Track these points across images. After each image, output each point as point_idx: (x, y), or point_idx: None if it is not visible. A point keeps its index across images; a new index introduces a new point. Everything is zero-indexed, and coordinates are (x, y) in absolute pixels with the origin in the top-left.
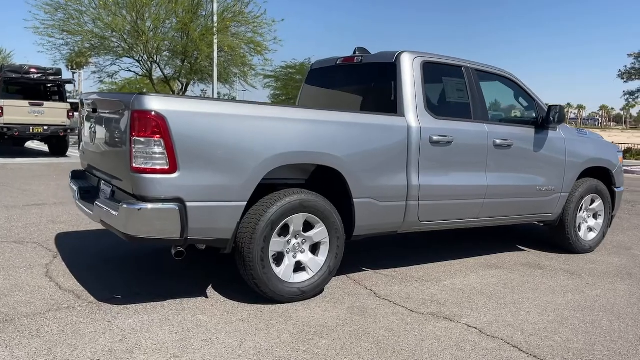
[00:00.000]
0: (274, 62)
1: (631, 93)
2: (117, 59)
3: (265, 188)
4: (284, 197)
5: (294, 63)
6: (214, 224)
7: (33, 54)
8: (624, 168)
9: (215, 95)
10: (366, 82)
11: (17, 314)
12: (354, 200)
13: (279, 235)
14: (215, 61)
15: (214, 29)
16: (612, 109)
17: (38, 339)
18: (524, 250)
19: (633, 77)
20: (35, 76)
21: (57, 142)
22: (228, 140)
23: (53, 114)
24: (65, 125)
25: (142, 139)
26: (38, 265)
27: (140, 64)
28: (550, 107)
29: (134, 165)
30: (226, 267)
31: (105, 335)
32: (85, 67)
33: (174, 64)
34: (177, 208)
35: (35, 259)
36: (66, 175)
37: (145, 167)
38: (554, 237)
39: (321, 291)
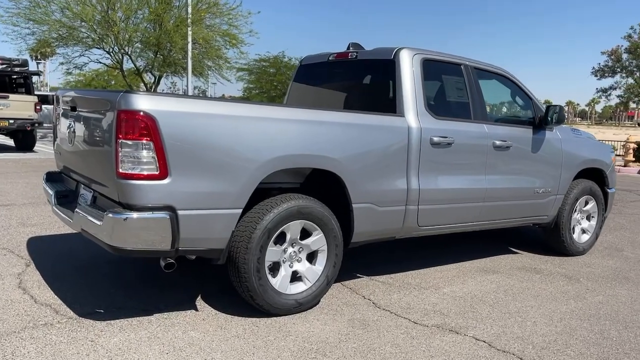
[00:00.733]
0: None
1: (604, 90)
2: (86, 50)
3: (259, 193)
4: (281, 204)
5: (268, 56)
6: (208, 233)
7: None
8: None
9: (190, 89)
10: (362, 80)
11: None
12: (353, 205)
13: (275, 243)
14: (190, 54)
15: (188, 21)
16: (578, 104)
17: None
18: (517, 253)
19: (606, 75)
20: (0, 67)
21: (24, 137)
22: (223, 143)
23: (19, 107)
24: (32, 119)
25: (129, 142)
26: (9, 275)
27: (110, 56)
28: (548, 107)
29: (120, 170)
30: (215, 276)
31: (89, 357)
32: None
33: (146, 56)
34: (168, 217)
35: (5, 268)
36: (34, 172)
37: (133, 172)
38: (548, 239)
39: (317, 302)
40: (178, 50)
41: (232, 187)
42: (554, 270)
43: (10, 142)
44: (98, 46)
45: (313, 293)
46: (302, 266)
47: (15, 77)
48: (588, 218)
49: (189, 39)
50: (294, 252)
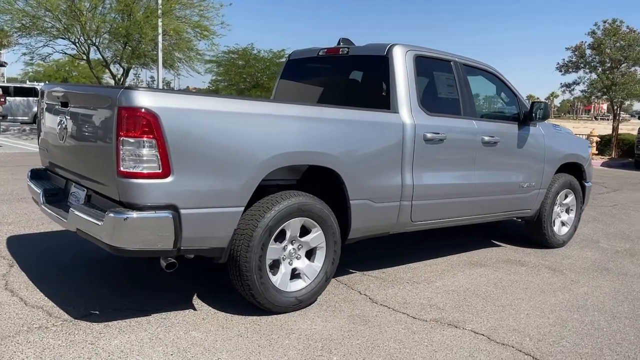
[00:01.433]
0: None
1: (568, 85)
2: (50, 40)
3: (256, 191)
4: (282, 201)
5: (236, 48)
6: (210, 232)
7: None
8: None
9: (160, 82)
10: (353, 76)
11: None
12: (351, 202)
13: (275, 241)
14: (160, 45)
15: (159, 12)
16: (538, 98)
17: None
18: (499, 246)
19: (570, 70)
20: None
21: None
22: (226, 140)
23: None
24: None
25: (130, 140)
26: None
27: (76, 47)
28: (533, 103)
29: (122, 169)
30: (206, 275)
31: None
32: (8, 48)
33: (114, 47)
34: (171, 216)
35: None
36: (2, 167)
37: (135, 171)
38: (530, 232)
39: (316, 299)
40: (148, 41)
41: (235, 185)
42: (537, 262)
43: None
44: (63, 36)
45: (312, 290)
46: (302, 263)
47: None
48: (567, 211)
49: (160, 31)
50: (294, 249)
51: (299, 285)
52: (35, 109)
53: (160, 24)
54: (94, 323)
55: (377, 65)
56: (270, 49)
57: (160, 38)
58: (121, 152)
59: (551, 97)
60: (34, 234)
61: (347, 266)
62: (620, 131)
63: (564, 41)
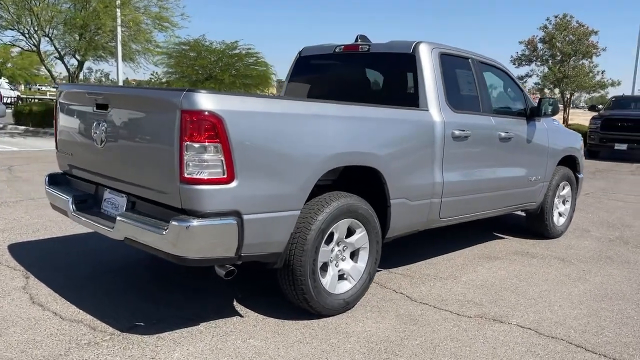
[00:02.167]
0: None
1: (520, 78)
2: None
3: None
4: (331, 202)
5: (187, 39)
6: (270, 237)
7: None
8: None
9: (121, 75)
10: (376, 73)
11: (31, 358)
12: (391, 201)
13: (325, 243)
14: (119, 37)
15: (118, 1)
16: None
17: None
18: (503, 238)
19: (523, 63)
20: None
21: None
22: (287, 142)
23: None
24: None
25: (195, 145)
26: (14, 290)
27: (26, 38)
28: (541, 99)
29: (186, 175)
30: (240, 276)
31: None
32: None
33: (69, 39)
34: (235, 222)
35: (5, 283)
36: None
37: (199, 177)
38: (532, 224)
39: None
40: (107, 32)
41: (293, 188)
42: (545, 253)
43: None
44: (12, 27)
45: (357, 291)
46: (347, 265)
47: None
48: (563, 202)
49: (118, 21)
50: (339, 251)
51: (345, 287)
52: None
53: (119, 14)
54: (144, 336)
55: (403, 63)
56: (223, 40)
57: (119, 30)
58: (185, 158)
59: None
60: (33, 242)
61: None
62: (572, 121)
63: (517, 35)
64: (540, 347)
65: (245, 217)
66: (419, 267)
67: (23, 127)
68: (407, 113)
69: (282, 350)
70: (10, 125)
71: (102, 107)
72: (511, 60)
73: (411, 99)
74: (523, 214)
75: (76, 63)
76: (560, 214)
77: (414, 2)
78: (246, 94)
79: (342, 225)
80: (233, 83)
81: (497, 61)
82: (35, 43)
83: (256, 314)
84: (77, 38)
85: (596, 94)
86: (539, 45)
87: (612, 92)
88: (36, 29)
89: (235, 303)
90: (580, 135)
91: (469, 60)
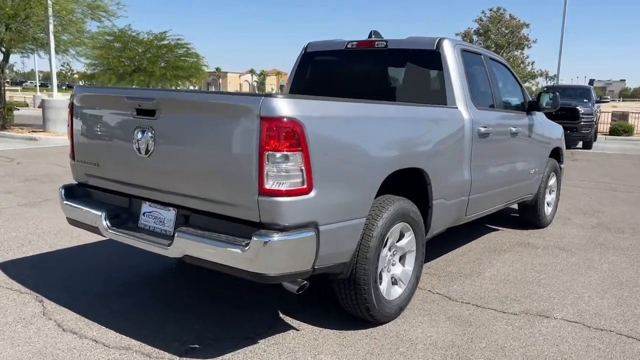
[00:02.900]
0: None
1: None
2: None
3: None
4: (388, 207)
5: (112, 29)
6: (340, 247)
7: None
8: None
9: (54, 68)
10: (396, 71)
11: None
12: (433, 201)
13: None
14: (52, 27)
15: None
16: None
17: None
18: (497, 229)
19: None
20: None
21: None
22: (357, 147)
23: None
24: None
25: (276, 154)
26: (34, 317)
27: None
28: (540, 94)
29: (267, 187)
30: (254, 287)
31: None
32: None
33: None
34: (314, 234)
35: (19, 309)
36: None
37: (280, 188)
38: (527, 214)
39: None
40: (36, 22)
41: (363, 194)
42: (544, 244)
43: None
44: None
45: (407, 295)
46: (397, 269)
47: None
48: (550, 192)
49: (50, 12)
50: (391, 255)
51: (397, 292)
52: None
53: (50, 3)
54: None
55: (427, 59)
56: (150, 30)
57: (51, 19)
58: (265, 168)
59: None
60: (24, 259)
61: None
62: None
63: (454, 27)
64: (596, 340)
65: (321, 227)
66: (438, 264)
67: None
68: (443, 111)
69: None
70: None
71: (147, 113)
72: None
73: (437, 96)
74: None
75: (1, 56)
76: (548, 204)
77: None
78: (320, 97)
79: (396, 229)
80: (164, 75)
81: (497, 56)
82: None
83: (310, 325)
84: (4, 29)
85: (528, 84)
86: (475, 37)
87: (542, 83)
88: None
89: (281, 315)
90: (561, 126)
91: (482, 57)
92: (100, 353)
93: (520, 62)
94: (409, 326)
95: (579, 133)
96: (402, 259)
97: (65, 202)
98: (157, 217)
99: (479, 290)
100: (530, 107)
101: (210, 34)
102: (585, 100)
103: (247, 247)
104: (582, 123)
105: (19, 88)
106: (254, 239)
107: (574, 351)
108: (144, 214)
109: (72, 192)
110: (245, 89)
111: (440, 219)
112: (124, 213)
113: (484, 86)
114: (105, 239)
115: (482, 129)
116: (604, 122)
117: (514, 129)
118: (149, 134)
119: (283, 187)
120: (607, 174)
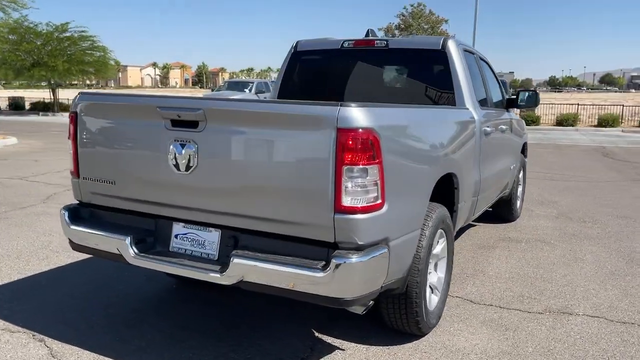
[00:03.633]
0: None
1: None
2: None
3: None
4: (431, 215)
5: (4, 20)
6: (403, 262)
7: None
8: None
9: None
10: (398, 70)
11: None
12: (459, 204)
13: None
14: None
15: None
16: None
17: None
18: (473, 225)
19: None
20: None
21: None
22: (418, 155)
23: None
24: None
25: (355, 168)
26: None
27: None
28: (519, 91)
29: (344, 204)
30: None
31: None
32: None
33: None
34: (387, 251)
35: (20, 353)
36: None
37: (357, 205)
38: (502, 209)
39: None
40: None
41: (420, 204)
42: (523, 237)
43: None
44: None
45: (442, 303)
46: (434, 277)
47: None
48: (519, 186)
49: None
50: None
51: (434, 300)
52: None
53: None
54: None
55: (432, 59)
56: (49, 21)
57: None
58: (343, 184)
59: None
60: (4, 288)
61: None
62: None
63: (376, 22)
64: (628, 335)
65: (391, 243)
66: None
67: None
68: (462, 113)
69: None
70: None
71: (188, 124)
72: None
73: (445, 97)
74: None
75: None
76: (518, 198)
77: None
78: (386, 104)
79: (437, 237)
80: (68, 70)
81: (480, 53)
82: None
83: (353, 344)
84: None
85: None
86: (396, 32)
87: None
88: None
89: (317, 334)
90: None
91: (475, 56)
92: None
93: None
94: (450, 335)
95: None
96: (435, 266)
97: (72, 227)
98: (195, 240)
99: (493, 291)
100: (508, 104)
101: (107, 24)
102: None
103: (326, 271)
104: None
105: None
106: (334, 260)
107: (614, 349)
108: (176, 236)
109: (77, 215)
110: (148, 83)
111: (459, 223)
112: (149, 236)
113: (480, 85)
114: (81, 258)
115: (487, 129)
116: None
117: (504, 127)
118: (191, 148)
119: (360, 204)
120: (537, 164)
